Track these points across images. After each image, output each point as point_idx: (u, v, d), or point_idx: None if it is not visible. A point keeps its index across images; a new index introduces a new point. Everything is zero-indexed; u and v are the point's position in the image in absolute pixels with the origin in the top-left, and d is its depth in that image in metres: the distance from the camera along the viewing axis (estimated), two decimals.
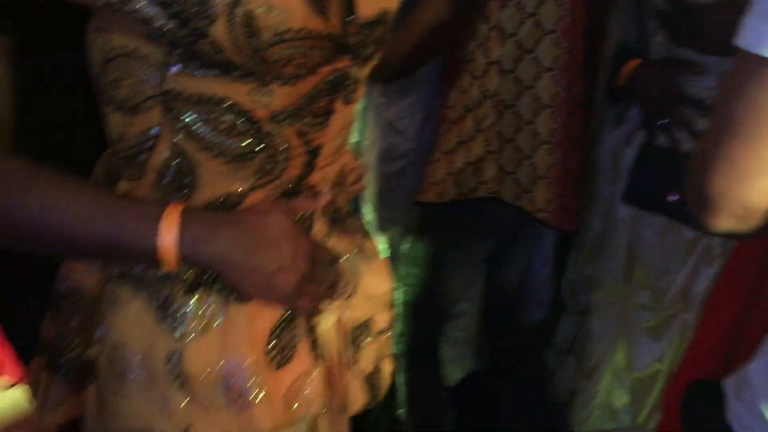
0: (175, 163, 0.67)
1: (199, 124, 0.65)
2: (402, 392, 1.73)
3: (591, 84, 1.36)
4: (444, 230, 1.54)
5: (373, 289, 0.82)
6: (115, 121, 0.67)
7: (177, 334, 0.69)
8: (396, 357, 1.50)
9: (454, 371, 1.83)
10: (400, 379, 1.72)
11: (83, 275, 0.72)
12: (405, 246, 1.59)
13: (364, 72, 0.73)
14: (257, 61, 0.61)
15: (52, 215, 0.60)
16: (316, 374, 0.74)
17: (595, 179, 1.46)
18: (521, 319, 1.78)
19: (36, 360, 0.76)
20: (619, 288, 1.46)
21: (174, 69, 0.63)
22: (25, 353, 0.83)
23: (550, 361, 1.78)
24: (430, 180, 1.42)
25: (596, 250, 1.52)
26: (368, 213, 1.63)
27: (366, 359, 0.82)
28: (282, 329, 0.72)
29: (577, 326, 1.67)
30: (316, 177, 0.73)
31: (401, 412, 1.76)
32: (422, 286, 1.60)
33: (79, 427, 0.74)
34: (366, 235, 0.86)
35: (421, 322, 1.66)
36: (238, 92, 0.64)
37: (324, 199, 0.74)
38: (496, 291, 1.73)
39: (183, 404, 0.69)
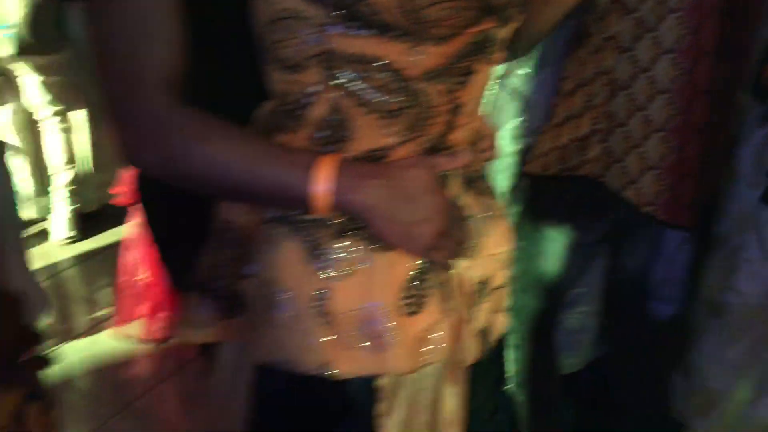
0: (331, 118, 0.72)
1: (355, 82, 0.69)
2: (514, 371, 1.73)
3: (723, 72, 1.22)
4: (550, 206, 1.50)
5: (495, 248, 0.85)
6: (276, 79, 0.73)
7: (324, 275, 0.73)
8: (509, 334, 1.51)
9: (569, 359, 1.78)
10: (513, 357, 1.71)
11: (240, 215, 0.77)
12: (515, 220, 1.57)
13: (505, 34, 0.76)
14: (413, 22, 0.65)
15: (221, 161, 0.68)
16: (444, 325, 0.77)
17: (735, 181, 1.32)
18: (646, 314, 1.68)
19: (192, 286, 0.82)
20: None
21: (334, 29, 0.67)
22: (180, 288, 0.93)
23: (675, 361, 1.65)
24: (536, 151, 1.39)
25: (733, 255, 1.38)
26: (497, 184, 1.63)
27: (482, 315, 0.85)
28: (417, 279, 0.76)
29: (712, 327, 1.53)
30: (455, 135, 0.77)
31: (513, 389, 1.75)
32: (530, 263, 1.58)
33: (213, 353, 0.82)
34: (493, 197, 0.89)
35: (531, 300, 1.64)
36: (392, 52, 0.68)
37: (462, 159, 0.77)
38: (616, 279, 1.64)
39: (325, 341, 0.73)
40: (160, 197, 0.88)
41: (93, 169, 3.22)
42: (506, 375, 1.72)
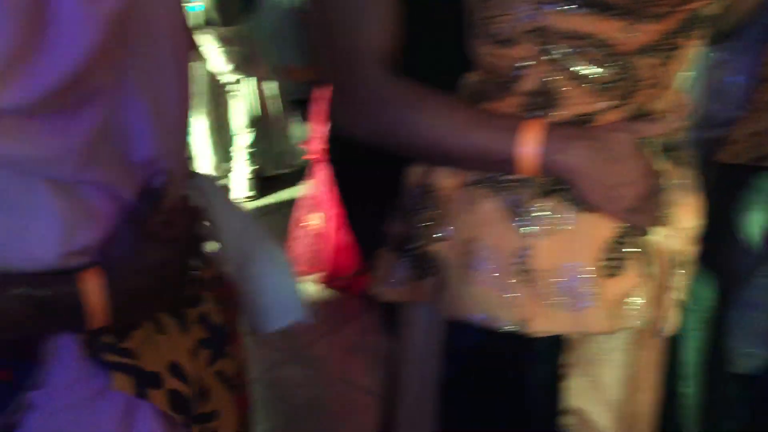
0: (540, 89, 0.73)
1: (568, 57, 0.71)
2: (688, 366, 1.64)
3: None
4: (736, 195, 1.39)
5: (687, 221, 0.84)
6: (485, 51, 0.75)
7: (527, 233, 0.75)
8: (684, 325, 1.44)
9: (747, 357, 1.65)
10: (687, 350, 1.62)
11: (440, 179, 0.79)
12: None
13: (711, 12, 0.76)
14: (635, 1, 0.67)
15: (433, 128, 0.73)
16: (643, 291, 0.77)
17: None
18: None
19: (384, 246, 0.86)
20: None
21: (550, 8, 0.69)
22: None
23: None
24: (729, 139, 1.33)
25: None
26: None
27: (676, 287, 0.84)
28: (618, 242, 0.76)
29: None
30: (656, 105, 0.78)
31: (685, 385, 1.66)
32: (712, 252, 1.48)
33: (397, 312, 0.86)
34: (690, 168, 0.88)
35: (709, 292, 1.53)
36: (607, 29, 0.69)
37: (663, 126, 0.78)
38: None
39: (524, 298, 0.74)
40: (350, 158, 0.93)
41: (271, 135, 3.42)
42: (680, 370, 1.64)
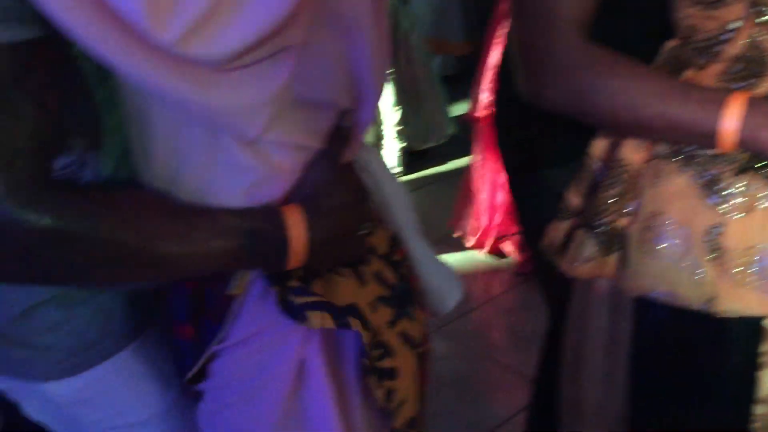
0: (747, 55, 0.71)
1: None
2: None
3: None
4: None
5: None
6: (688, 14, 0.74)
7: (721, 210, 0.73)
8: None
9: None
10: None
11: (628, 152, 0.78)
12: None
13: None
14: None
15: (629, 97, 0.72)
16: None
17: None
18: None
19: (560, 222, 0.86)
20: None
21: None
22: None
23: None
24: None
25: None
26: None
27: None
28: None
29: None
30: None
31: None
32: None
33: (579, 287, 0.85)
34: None
35: None
36: None
37: None
38: None
39: (714, 276, 0.73)
40: (521, 127, 0.93)
41: (420, 110, 3.46)
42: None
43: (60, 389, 0.76)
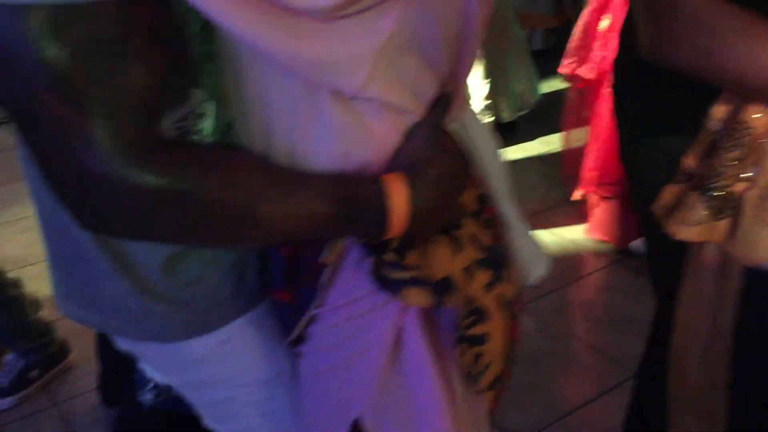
0: None
1: None
2: None
3: None
4: None
5: None
6: None
7: None
8: None
9: None
10: None
11: (751, 117, 0.76)
12: None
13: None
14: None
15: (757, 57, 0.70)
16: None
17: None
18: None
19: (674, 186, 0.85)
20: None
21: None
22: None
23: None
24: None
25: None
26: None
27: None
28: None
29: None
30: None
31: None
32: None
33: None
34: None
35: None
36: None
37: None
38: None
39: None
40: (642, 93, 0.92)
41: (508, 82, 3.41)
42: None
43: (194, 347, 0.76)
